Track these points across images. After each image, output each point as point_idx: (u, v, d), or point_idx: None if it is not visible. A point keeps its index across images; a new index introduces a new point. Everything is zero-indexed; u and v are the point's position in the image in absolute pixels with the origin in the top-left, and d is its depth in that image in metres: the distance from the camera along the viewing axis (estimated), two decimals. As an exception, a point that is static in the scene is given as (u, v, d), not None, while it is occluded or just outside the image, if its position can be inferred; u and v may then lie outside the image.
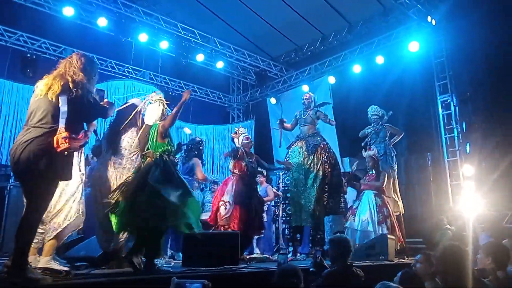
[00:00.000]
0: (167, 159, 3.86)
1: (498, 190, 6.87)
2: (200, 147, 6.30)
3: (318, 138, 6.42)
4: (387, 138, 7.15)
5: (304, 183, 6.14)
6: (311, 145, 6.26)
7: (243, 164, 5.80)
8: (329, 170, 6.18)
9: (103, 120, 5.74)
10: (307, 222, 6.06)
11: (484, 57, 7.53)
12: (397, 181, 6.95)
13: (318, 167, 6.13)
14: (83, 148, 3.55)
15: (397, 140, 7.25)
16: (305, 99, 6.67)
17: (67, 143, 2.83)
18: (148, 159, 3.82)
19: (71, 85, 2.99)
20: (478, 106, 7.64)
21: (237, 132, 6.16)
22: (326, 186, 6.10)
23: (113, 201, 3.64)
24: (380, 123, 7.17)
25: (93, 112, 3.22)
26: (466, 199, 7.28)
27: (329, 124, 6.69)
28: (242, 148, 5.93)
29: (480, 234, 6.23)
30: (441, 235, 6.63)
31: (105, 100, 3.75)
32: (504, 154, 6.77)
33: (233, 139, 6.27)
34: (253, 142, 6.34)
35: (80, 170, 3.53)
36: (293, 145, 6.50)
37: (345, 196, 7.65)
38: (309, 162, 6.19)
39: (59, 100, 2.93)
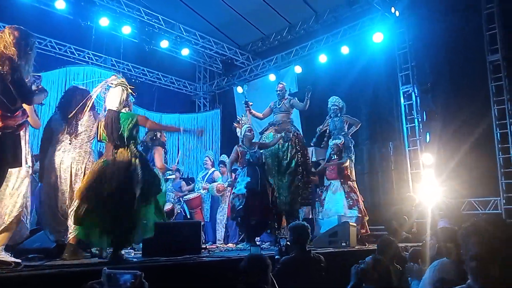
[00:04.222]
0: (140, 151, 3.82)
1: (455, 178, 7.11)
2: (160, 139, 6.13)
3: (292, 127, 6.46)
4: (345, 129, 7.24)
5: (277, 169, 6.15)
6: (285, 132, 6.27)
7: (246, 158, 5.79)
8: (301, 159, 6.23)
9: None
10: (280, 208, 6.06)
11: (444, 48, 7.73)
12: (353, 171, 7.05)
13: (292, 155, 6.18)
14: (28, 139, 3.35)
15: (355, 130, 7.35)
16: (278, 90, 6.68)
17: (0, 122, 2.63)
18: (121, 149, 3.64)
19: None
20: (438, 96, 7.84)
21: (240, 122, 6.10)
22: (300, 176, 6.14)
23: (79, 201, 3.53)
24: (339, 114, 7.24)
25: (17, 93, 2.86)
26: (425, 187, 7.51)
27: (305, 105, 6.58)
28: (243, 138, 5.95)
29: (439, 221, 6.44)
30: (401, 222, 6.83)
31: (40, 86, 3.50)
32: (461, 142, 7.00)
33: (235, 129, 6.24)
34: (254, 133, 6.25)
35: (26, 163, 3.24)
36: (267, 131, 6.47)
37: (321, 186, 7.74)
38: (284, 149, 6.21)
39: None
